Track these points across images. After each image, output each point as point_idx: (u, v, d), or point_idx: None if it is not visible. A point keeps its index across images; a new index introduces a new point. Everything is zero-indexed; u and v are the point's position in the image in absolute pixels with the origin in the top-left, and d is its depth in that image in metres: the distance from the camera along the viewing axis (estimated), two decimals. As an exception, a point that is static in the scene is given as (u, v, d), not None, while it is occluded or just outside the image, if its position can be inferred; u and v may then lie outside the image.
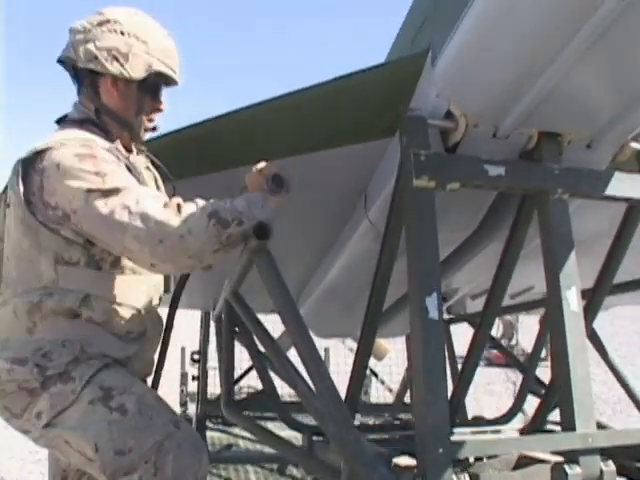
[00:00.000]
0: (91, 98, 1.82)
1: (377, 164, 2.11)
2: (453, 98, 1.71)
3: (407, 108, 1.73)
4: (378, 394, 4.81)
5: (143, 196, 1.62)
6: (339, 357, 4.86)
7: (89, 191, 1.60)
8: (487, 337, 2.20)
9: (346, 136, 1.98)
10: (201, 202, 1.65)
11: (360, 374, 2.15)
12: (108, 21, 1.77)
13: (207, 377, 3.57)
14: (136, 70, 1.77)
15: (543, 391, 2.76)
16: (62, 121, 1.85)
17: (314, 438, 2.23)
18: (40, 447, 1.80)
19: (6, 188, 1.77)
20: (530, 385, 2.75)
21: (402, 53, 2.10)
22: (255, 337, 2.31)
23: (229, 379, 2.47)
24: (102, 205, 1.59)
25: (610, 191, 1.81)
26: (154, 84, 1.84)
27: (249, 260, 1.76)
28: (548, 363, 2.84)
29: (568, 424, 1.65)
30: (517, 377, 3.84)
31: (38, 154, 1.65)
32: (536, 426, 2.38)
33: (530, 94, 1.63)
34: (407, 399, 3.92)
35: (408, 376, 3.86)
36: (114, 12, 1.80)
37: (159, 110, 1.90)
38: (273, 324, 3.30)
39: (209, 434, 3.81)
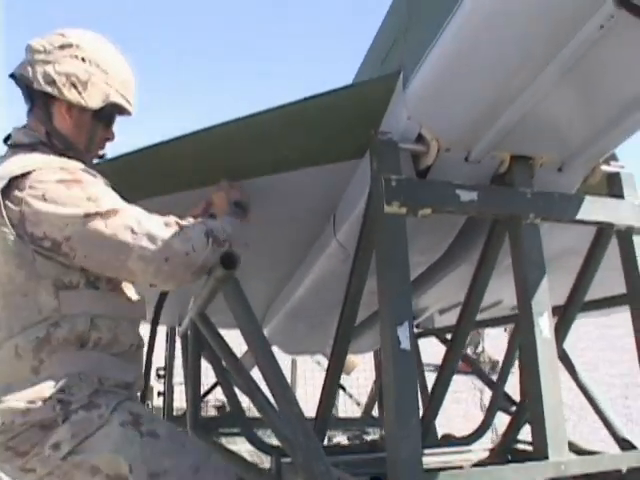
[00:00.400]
0: (42, 120, 1.73)
1: (346, 185, 2.07)
2: (425, 122, 1.69)
3: (378, 131, 1.70)
4: (346, 407, 4.79)
5: (143, 216, 1.61)
6: (306, 369, 4.81)
7: (87, 216, 1.54)
8: (459, 357, 2.18)
9: (314, 156, 1.94)
10: (193, 220, 1.67)
11: (331, 393, 2.11)
12: (70, 45, 1.70)
13: (173, 393, 3.49)
14: (93, 99, 1.71)
15: (513, 408, 2.77)
16: (11, 145, 1.75)
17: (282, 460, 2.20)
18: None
19: None
20: (499, 402, 2.75)
21: (372, 74, 2.07)
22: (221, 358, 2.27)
23: (196, 400, 2.42)
24: (103, 227, 1.55)
25: (581, 215, 1.81)
26: (109, 114, 1.79)
27: (215, 287, 1.71)
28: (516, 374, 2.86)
29: (540, 452, 1.63)
30: (483, 385, 3.83)
31: (12, 181, 1.56)
32: (506, 445, 2.38)
33: (503, 119, 1.61)
34: (375, 412, 3.90)
35: (376, 389, 3.84)
36: (77, 36, 1.73)
37: (109, 139, 1.85)
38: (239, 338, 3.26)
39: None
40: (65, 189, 1.55)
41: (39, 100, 1.72)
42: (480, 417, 3.84)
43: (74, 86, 1.68)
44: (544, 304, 1.71)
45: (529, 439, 2.41)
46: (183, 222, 1.64)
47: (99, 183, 1.65)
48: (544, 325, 1.69)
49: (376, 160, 1.65)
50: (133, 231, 1.55)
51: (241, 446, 3.27)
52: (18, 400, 1.53)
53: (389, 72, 1.84)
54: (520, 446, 2.40)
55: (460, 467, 2.27)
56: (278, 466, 2.21)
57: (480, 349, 9.45)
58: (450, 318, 3.25)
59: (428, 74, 1.60)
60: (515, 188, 1.75)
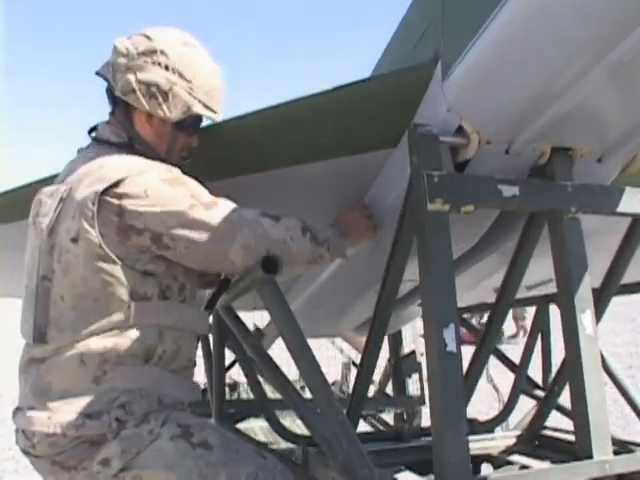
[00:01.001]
0: (124, 125, 1.70)
1: (376, 173, 2.02)
2: (466, 114, 1.63)
3: (417, 124, 1.64)
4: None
5: (241, 208, 1.62)
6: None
7: (191, 207, 1.54)
8: (492, 349, 2.15)
9: (346, 145, 1.88)
10: (289, 216, 1.70)
11: (364, 387, 2.08)
12: (154, 51, 1.62)
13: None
14: (174, 111, 1.65)
15: (536, 391, 2.77)
16: (99, 139, 1.71)
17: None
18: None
19: (56, 218, 1.57)
20: (522, 385, 2.74)
21: (403, 58, 1.99)
22: (247, 350, 2.24)
23: (220, 391, 2.39)
24: (205, 216, 1.54)
25: (622, 207, 1.76)
26: (191, 123, 1.72)
27: (250, 286, 1.67)
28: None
29: (585, 452, 1.61)
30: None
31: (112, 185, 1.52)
32: (533, 431, 2.37)
33: (549, 113, 1.56)
34: (389, 390, 3.90)
35: (389, 367, 3.83)
36: (163, 40, 1.65)
37: (192, 145, 1.79)
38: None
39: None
40: (169, 187, 1.54)
41: (120, 105, 1.68)
42: (487, 389, 3.88)
43: (154, 96, 1.62)
44: (587, 300, 1.67)
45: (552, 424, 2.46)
46: (278, 215, 1.66)
47: (197, 183, 1.62)
48: (587, 322, 1.66)
49: (417, 154, 1.60)
50: (234, 221, 1.56)
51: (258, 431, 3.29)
52: (74, 412, 1.48)
53: (423, 59, 1.77)
54: (546, 432, 2.40)
55: (490, 455, 2.26)
56: (305, 456, 2.20)
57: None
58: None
59: (472, 65, 1.53)
60: (556, 181, 1.70)
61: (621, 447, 1.93)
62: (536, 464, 2.08)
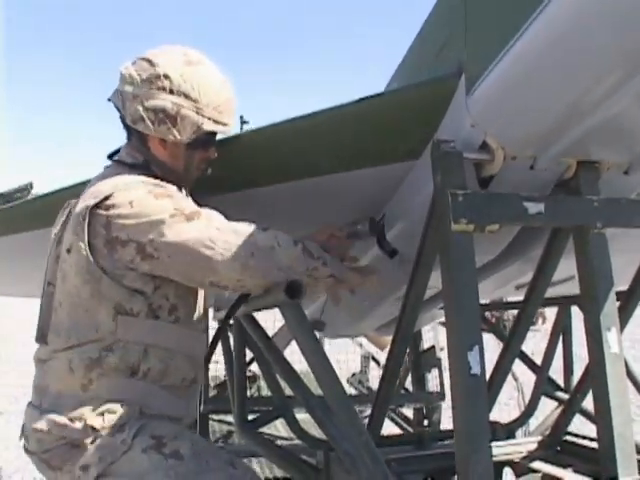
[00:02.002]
0: (140, 150, 1.73)
1: (396, 185, 2.00)
2: (491, 130, 1.60)
3: (440, 141, 1.62)
4: (373, 375, 4.80)
5: (227, 219, 1.62)
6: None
7: (172, 216, 1.54)
8: (517, 354, 2.14)
9: (367, 157, 1.87)
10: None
11: (388, 391, 2.08)
12: (158, 77, 1.63)
13: (209, 376, 3.49)
14: (184, 133, 1.66)
15: (557, 393, 2.75)
16: (115, 160, 1.76)
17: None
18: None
19: (62, 229, 1.68)
20: (543, 387, 2.73)
21: (423, 68, 1.96)
22: (269, 358, 2.25)
23: (242, 399, 2.40)
24: (186, 225, 1.54)
25: (648, 221, 1.73)
26: (204, 140, 1.73)
27: (273, 305, 1.66)
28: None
29: (610, 472, 1.60)
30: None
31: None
32: (556, 437, 2.37)
33: (576, 129, 1.53)
34: (408, 384, 3.90)
35: (409, 362, 3.83)
36: (165, 63, 1.65)
37: (209, 158, 1.80)
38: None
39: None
40: (153, 199, 1.56)
41: (133, 131, 1.70)
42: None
43: (163, 122, 1.63)
44: (612, 317, 1.65)
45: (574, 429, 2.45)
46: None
47: (189, 201, 1.64)
48: (612, 340, 1.64)
49: (441, 172, 1.57)
50: (218, 227, 1.56)
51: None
52: (61, 413, 1.57)
53: (445, 69, 1.74)
54: (570, 438, 2.39)
55: (511, 461, 2.26)
56: (327, 461, 2.21)
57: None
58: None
59: (499, 81, 1.49)
60: (582, 196, 1.68)
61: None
62: (559, 473, 2.08)
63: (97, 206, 1.56)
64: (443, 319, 3.53)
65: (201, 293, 1.79)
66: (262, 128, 1.81)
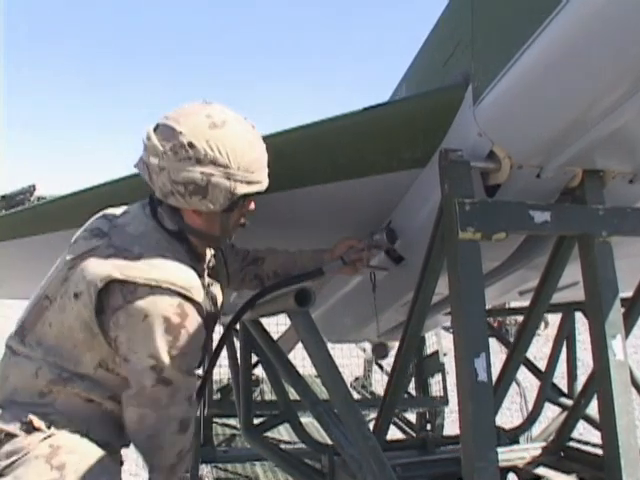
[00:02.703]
0: (174, 219, 1.65)
1: (402, 193, 2.02)
2: (498, 139, 1.62)
3: (448, 150, 1.63)
4: (384, 385, 4.82)
5: (180, 407, 1.63)
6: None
7: (152, 368, 1.54)
8: (522, 360, 2.16)
9: (374, 165, 1.88)
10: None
11: (395, 397, 2.09)
12: (182, 146, 1.51)
13: (212, 379, 3.50)
14: (217, 202, 1.57)
15: (561, 399, 2.77)
16: (154, 214, 1.67)
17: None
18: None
19: (78, 260, 1.60)
20: (547, 393, 2.74)
21: (431, 75, 1.98)
22: (275, 363, 2.26)
23: (247, 404, 2.42)
24: (148, 385, 1.56)
25: (653, 229, 1.75)
26: (239, 202, 1.64)
27: (281, 311, 1.68)
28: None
29: (614, 479, 1.62)
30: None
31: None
32: (559, 443, 2.38)
33: (582, 140, 1.55)
34: (411, 389, 3.91)
35: (413, 368, 3.84)
36: (189, 130, 1.53)
37: (249, 212, 1.74)
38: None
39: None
40: (163, 329, 1.53)
41: (165, 203, 1.63)
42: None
43: (194, 193, 1.55)
44: (617, 326, 1.67)
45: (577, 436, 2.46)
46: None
47: (196, 334, 1.59)
48: (617, 348, 1.66)
49: (448, 182, 1.60)
50: (160, 408, 1.59)
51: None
52: (5, 406, 1.59)
53: (453, 77, 1.76)
54: (573, 444, 2.41)
55: (515, 467, 2.28)
56: (332, 465, 2.23)
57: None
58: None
59: (506, 92, 1.51)
60: (587, 205, 1.70)
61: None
62: (563, 479, 2.10)
63: (118, 282, 1.51)
64: (446, 324, 3.55)
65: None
66: (271, 135, 1.82)
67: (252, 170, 1.60)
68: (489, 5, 1.64)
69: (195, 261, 1.68)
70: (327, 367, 1.62)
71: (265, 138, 1.84)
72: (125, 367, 1.57)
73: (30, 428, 1.55)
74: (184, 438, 1.66)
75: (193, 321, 1.56)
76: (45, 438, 1.55)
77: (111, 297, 1.52)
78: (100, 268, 1.52)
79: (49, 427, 1.56)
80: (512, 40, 1.45)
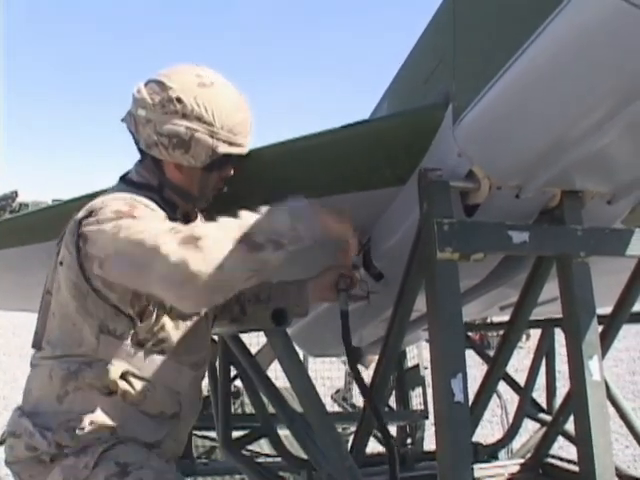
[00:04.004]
0: (153, 173, 1.70)
1: (381, 210, 2.01)
2: (478, 160, 1.62)
3: (427, 169, 1.64)
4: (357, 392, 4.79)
5: (159, 232, 1.46)
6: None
7: (112, 219, 1.50)
8: (501, 375, 2.17)
9: (354, 183, 1.88)
10: (228, 222, 1.49)
11: (371, 422, 2.08)
12: (170, 100, 1.59)
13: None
14: (198, 158, 1.62)
15: (540, 414, 2.78)
16: (122, 177, 1.74)
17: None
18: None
19: (60, 240, 1.66)
20: (526, 409, 2.75)
21: (412, 93, 1.98)
22: (253, 378, 2.25)
23: (226, 418, 2.40)
24: (124, 238, 1.47)
25: (631, 250, 1.76)
26: (220, 162, 1.68)
27: (260, 329, 1.67)
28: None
29: (589, 497, 1.62)
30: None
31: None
32: (538, 459, 2.39)
33: (561, 161, 1.55)
34: (391, 402, 3.90)
35: (393, 380, 3.84)
36: (178, 86, 1.61)
37: (226, 177, 1.76)
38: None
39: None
40: (113, 213, 1.52)
41: (147, 155, 1.67)
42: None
43: (177, 147, 1.60)
44: (594, 346, 1.67)
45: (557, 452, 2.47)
46: (209, 229, 1.49)
47: (154, 217, 1.57)
48: (594, 368, 1.66)
49: (427, 201, 1.60)
50: (148, 249, 1.43)
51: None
52: (32, 422, 1.56)
53: (434, 96, 1.76)
54: (551, 460, 2.41)
55: (493, 485, 2.28)
56: (310, 480, 2.21)
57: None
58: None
59: (486, 113, 1.51)
60: (566, 226, 1.70)
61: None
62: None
63: (82, 221, 1.56)
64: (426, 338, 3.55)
65: (200, 331, 1.74)
66: (249, 150, 1.81)
67: (235, 132, 1.66)
68: (471, 24, 1.65)
69: (169, 211, 1.67)
70: (304, 386, 1.61)
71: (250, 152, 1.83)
72: (106, 271, 1.51)
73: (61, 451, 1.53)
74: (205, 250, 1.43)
75: (145, 209, 1.57)
76: (104, 454, 1.52)
77: (80, 238, 1.54)
78: (70, 224, 1.59)
79: (73, 439, 1.53)
80: (493, 60, 1.45)
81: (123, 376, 1.58)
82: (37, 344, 1.67)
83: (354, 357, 1.98)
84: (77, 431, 1.53)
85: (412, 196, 1.72)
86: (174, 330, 1.65)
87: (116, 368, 1.57)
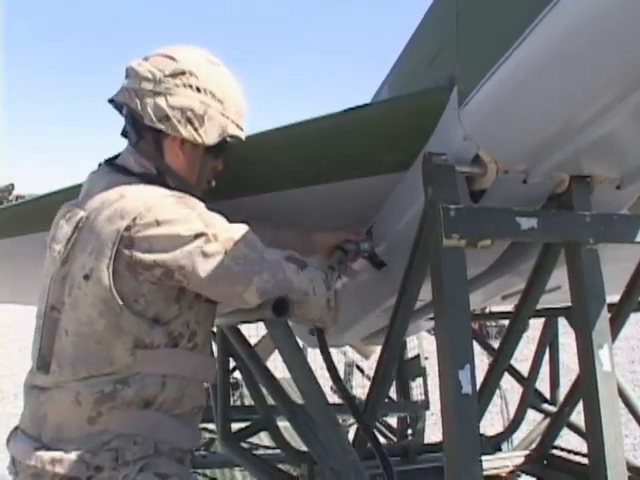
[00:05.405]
0: (153, 157, 1.57)
1: (384, 197, 1.97)
2: (484, 144, 1.57)
3: (432, 154, 1.58)
4: (364, 390, 4.77)
5: (265, 247, 1.52)
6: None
7: (197, 236, 1.42)
8: (506, 367, 2.12)
9: (357, 169, 1.83)
10: (313, 260, 1.62)
11: (373, 414, 2.04)
12: (183, 72, 1.51)
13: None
14: (210, 135, 1.55)
15: (544, 405, 2.74)
16: (117, 165, 1.59)
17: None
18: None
19: (70, 247, 1.48)
20: (530, 399, 2.71)
21: (415, 77, 1.93)
22: (253, 370, 2.21)
23: (225, 411, 2.36)
24: (220, 255, 1.43)
25: (640, 237, 1.71)
26: (220, 146, 1.61)
27: (259, 320, 1.62)
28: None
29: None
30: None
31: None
32: (542, 451, 2.35)
33: (569, 145, 1.50)
34: (392, 393, 3.87)
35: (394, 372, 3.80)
36: (189, 60, 1.54)
37: (217, 168, 1.69)
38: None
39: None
40: (179, 208, 1.44)
41: (148, 135, 1.55)
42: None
43: (190, 122, 1.51)
44: (604, 336, 1.63)
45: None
46: (303, 259, 1.57)
47: (214, 214, 1.51)
48: (604, 358, 1.62)
49: (432, 186, 1.54)
50: (254, 263, 1.46)
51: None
52: (60, 449, 1.42)
53: (438, 79, 1.71)
54: (555, 452, 2.37)
55: (499, 476, 2.24)
56: (311, 475, 2.18)
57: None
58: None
59: (492, 95, 1.46)
60: (574, 211, 1.65)
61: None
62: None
63: (125, 229, 1.41)
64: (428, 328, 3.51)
65: (214, 319, 1.69)
66: (248, 137, 1.76)
67: (240, 114, 1.62)
68: (475, 4, 1.59)
69: None
70: (306, 378, 1.56)
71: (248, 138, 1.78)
72: (187, 276, 1.43)
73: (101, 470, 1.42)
74: (308, 272, 1.55)
75: (199, 202, 1.51)
76: (143, 467, 1.43)
77: (122, 247, 1.41)
78: (103, 230, 1.42)
79: (116, 460, 1.42)
80: (499, 41, 1.40)
81: (163, 382, 1.49)
82: (45, 367, 1.49)
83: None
84: (124, 452, 1.43)
85: (415, 182, 1.67)
86: (202, 321, 1.58)
87: (155, 380, 1.48)
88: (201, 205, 1.50)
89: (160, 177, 1.57)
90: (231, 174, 1.83)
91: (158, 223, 1.41)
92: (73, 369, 1.45)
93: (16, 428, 1.56)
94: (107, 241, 1.41)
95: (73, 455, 1.41)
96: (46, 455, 1.42)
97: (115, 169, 1.58)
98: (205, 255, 1.42)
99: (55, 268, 1.50)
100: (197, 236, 1.42)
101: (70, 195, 1.69)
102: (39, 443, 1.45)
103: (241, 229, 1.51)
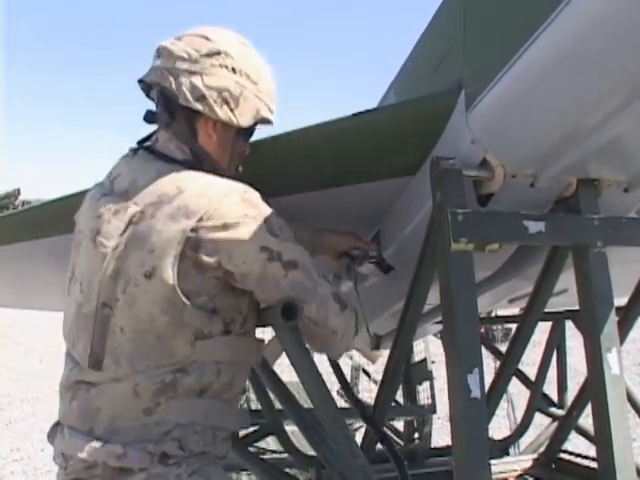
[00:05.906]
0: (186, 138, 1.54)
1: (392, 201, 1.97)
2: (492, 147, 1.57)
3: (440, 158, 1.59)
4: (372, 395, 4.77)
5: (319, 278, 1.54)
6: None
7: (269, 259, 1.43)
8: (513, 370, 2.12)
9: (364, 173, 1.83)
10: (352, 299, 1.67)
11: (381, 419, 2.05)
12: (218, 53, 1.49)
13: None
14: (244, 117, 1.53)
15: (551, 409, 2.73)
16: (155, 151, 1.54)
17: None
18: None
19: (124, 243, 1.44)
20: (537, 403, 2.70)
21: (421, 83, 1.94)
22: (260, 374, 2.21)
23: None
24: (281, 278, 1.45)
25: (649, 239, 1.71)
26: (252, 130, 1.61)
27: (268, 324, 1.62)
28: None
29: (609, 495, 1.57)
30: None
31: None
32: (550, 455, 2.34)
33: (578, 148, 1.50)
34: (398, 397, 3.86)
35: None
36: (223, 41, 1.52)
37: (244, 154, 1.67)
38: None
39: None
40: (245, 208, 1.42)
41: (181, 116, 1.53)
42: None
43: (226, 102, 1.49)
44: (612, 339, 1.63)
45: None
46: (345, 299, 1.58)
47: (278, 219, 1.50)
48: (613, 361, 1.61)
49: (440, 191, 1.55)
50: (307, 293, 1.48)
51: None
52: (118, 442, 1.40)
53: (444, 86, 1.71)
54: (564, 455, 2.37)
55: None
56: (319, 478, 2.18)
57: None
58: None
59: (500, 99, 1.47)
60: (582, 215, 1.66)
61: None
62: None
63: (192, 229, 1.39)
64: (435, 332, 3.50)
65: None
66: (255, 141, 1.77)
67: (272, 97, 1.61)
68: (483, 7, 1.60)
69: None
70: (314, 383, 1.56)
71: (253, 143, 1.79)
72: (248, 283, 1.44)
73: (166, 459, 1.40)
74: (346, 316, 1.57)
75: (273, 213, 1.49)
76: (195, 471, 1.42)
77: (187, 247, 1.39)
78: (166, 229, 1.39)
79: (182, 449, 1.42)
80: (507, 44, 1.41)
81: (218, 369, 1.48)
82: (97, 364, 1.45)
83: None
84: (187, 442, 1.43)
85: (423, 186, 1.68)
86: (253, 307, 1.56)
87: (211, 368, 1.46)
88: (265, 206, 1.48)
89: (198, 162, 1.53)
90: (240, 178, 1.84)
91: (225, 227, 1.39)
92: (131, 364, 1.43)
93: (56, 424, 1.55)
94: (171, 240, 1.38)
95: (133, 446, 1.39)
96: (101, 448, 1.40)
97: (156, 156, 1.54)
98: (265, 271, 1.43)
99: (107, 263, 1.44)
100: (262, 249, 1.42)
101: (75, 201, 1.67)
102: (91, 436, 1.43)
103: (303, 253, 1.51)
